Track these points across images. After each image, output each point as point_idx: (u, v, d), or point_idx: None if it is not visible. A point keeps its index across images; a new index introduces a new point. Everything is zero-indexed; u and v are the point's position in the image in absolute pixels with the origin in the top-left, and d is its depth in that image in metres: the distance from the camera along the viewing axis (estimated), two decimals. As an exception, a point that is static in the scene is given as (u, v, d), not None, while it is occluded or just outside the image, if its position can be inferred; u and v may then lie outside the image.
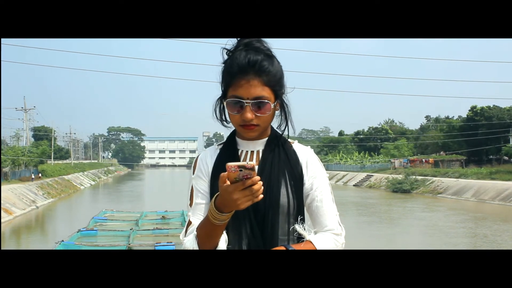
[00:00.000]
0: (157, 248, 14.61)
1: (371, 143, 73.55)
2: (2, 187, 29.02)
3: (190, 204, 1.69)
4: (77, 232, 18.31)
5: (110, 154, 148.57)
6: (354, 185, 53.89)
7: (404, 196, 38.44)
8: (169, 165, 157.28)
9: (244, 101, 1.56)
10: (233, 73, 1.58)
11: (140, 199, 40.76)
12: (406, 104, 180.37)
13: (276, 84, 1.60)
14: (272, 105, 1.59)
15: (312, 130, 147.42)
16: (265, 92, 1.57)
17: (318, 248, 1.56)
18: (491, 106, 55.84)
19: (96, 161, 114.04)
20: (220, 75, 1.64)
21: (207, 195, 1.67)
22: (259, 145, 1.69)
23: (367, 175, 55.94)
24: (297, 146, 1.72)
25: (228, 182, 1.41)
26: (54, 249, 13.29)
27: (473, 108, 56.25)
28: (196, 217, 1.65)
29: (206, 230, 1.54)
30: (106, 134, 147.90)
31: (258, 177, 1.41)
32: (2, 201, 24.61)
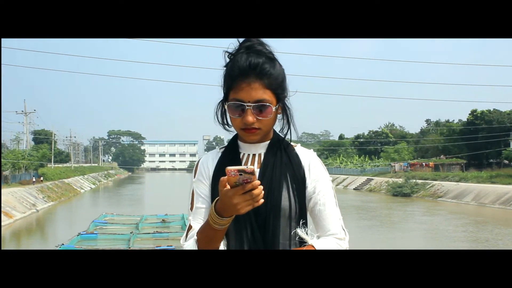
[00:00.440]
0: (157, 251, 14.56)
1: (371, 147, 73.57)
2: (2, 190, 29.01)
3: (191, 208, 1.68)
4: (77, 235, 18.29)
5: (110, 157, 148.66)
6: (354, 189, 53.85)
7: (405, 200, 38.41)
8: (169, 169, 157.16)
9: (245, 104, 1.54)
10: (234, 76, 1.56)
11: (140, 203, 40.72)
12: (406, 108, 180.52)
13: (278, 87, 1.59)
14: (273, 109, 1.57)
15: (312, 134, 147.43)
16: (267, 95, 1.55)
17: None
18: (492, 110, 55.88)
19: (96, 164, 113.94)
20: (221, 78, 1.63)
21: (208, 199, 1.66)
22: (261, 148, 1.67)
23: (367, 178, 55.91)
24: (299, 149, 1.70)
25: (228, 187, 1.40)
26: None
27: (473, 112, 56.28)
28: (197, 221, 1.64)
29: (206, 235, 1.53)
30: (106, 137, 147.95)
31: (258, 182, 1.39)
32: (2, 205, 24.60)
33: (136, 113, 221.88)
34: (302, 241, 1.60)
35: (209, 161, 1.71)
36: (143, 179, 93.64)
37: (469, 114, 57.05)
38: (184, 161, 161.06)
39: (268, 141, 1.68)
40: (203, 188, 1.67)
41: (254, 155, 1.68)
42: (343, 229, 1.62)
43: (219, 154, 1.72)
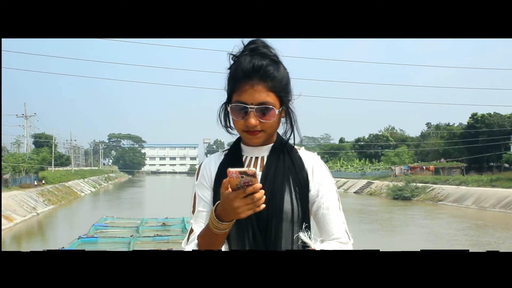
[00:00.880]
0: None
1: (371, 150, 73.52)
2: (2, 194, 28.98)
3: (193, 211, 1.67)
4: (78, 239, 18.27)
5: (110, 161, 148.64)
6: (354, 192, 53.80)
7: (405, 203, 38.36)
8: (169, 172, 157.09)
9: (248, 106, 1.53)
10: (237, 78, 1.55)
11: (140, 206, 40.68)
12: (406, 111, 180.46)
13: (282, 90, 1.57)
14: (276, 111, 1.55)
15: (313, 137, 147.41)
16: (270, 98, 1.54)
17: None
18: (492, 113, 55.84)
19: (96, 168, 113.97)
20: (225, 81, 1.61)
21: (210, 202, 1.65)
22: (264, 151, 1.66)
23: (368, 182, 55.86)
24: (303, 153, 1.68)
25: (230, 189, 1.38)
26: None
27: (473, 115, 56.26)
28: (198, 225, 1.63)
29: (207, 239, 1.52)
30: (107, 141, 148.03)
31: (259, 185, 1.37)
32: (2, 208, 24.58)
33: (136, 116, 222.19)
34: (305, 245, 1.58)
35: (212, 164, 1.70)
36: (143, 183, 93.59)
37: (470, 117, 57.03)
38: (185, 164, 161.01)
39: (271, 144, 1.66)
40: (205, 191, 1.67)
41: (257, 158, 1.66)
42: (347, 233, 1.61)
43: (222, 157, 1.70)
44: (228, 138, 1.71)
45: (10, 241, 22.03)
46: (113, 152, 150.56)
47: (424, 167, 54.67)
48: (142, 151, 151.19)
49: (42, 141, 71.26)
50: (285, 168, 1.62)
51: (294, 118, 1.64)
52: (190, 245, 1.58)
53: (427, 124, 79.91)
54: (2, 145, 59.83)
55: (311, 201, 1.63)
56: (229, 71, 1.61)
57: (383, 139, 74.41)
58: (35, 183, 40.80)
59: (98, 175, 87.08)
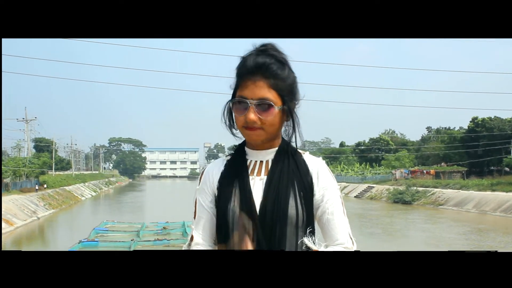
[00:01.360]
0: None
1: (372, 154, 73.47)
2: (3, 198, 28.98)
3: (194, 217, 1.68)
4: (78, 243, 18.25)
5: (111, 165, 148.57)
6: (355, 197, 53.74)
7: (406, 208, 38.32)
8: (170, 176, 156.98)
9: (248, 101, 1.53)
10: (241, 74, 1.56)
11: (141, 210, 40.61)
12: (407, 115, 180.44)
13: (284, 90, 1.57)
14: (276, 109, 1.55)
15: (313, 142, 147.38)
16: (271, 95, 1.53)
17: None
18: (492, 117, 55.84)
19: (97, 172, 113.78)
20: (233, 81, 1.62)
21: (209, 209, 1.65)
22: (269, 155, 1.65)
23: (368, 186, 55.82)
24: (307, 157, 1.68)
25: None
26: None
27: (474, 119, 56.26)
28: (198, 232, 1.65)
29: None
30: (107, 145, 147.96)
31: None
32: (3, 212, 24.58)
33: (137, 120, 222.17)
34: (309, 250, 1.57)
35: (215, 170, 1.69)
36: (144, 187, 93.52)
37: (470, 121, 57.02)
38: (185, 168, 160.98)
39: (276, 148, 1.66)
40: (206, 197, 1.67)
41: (261, 161, 1.66)
42: (351, 238, 1.61)
43: (225, 162, 1.70)
44: (229, 143, 1.71)
45: (11, 245, 22.00)
46: (114, 156, 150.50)
47: (424, 171, 54.63)
48: (143, 155, 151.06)
49: (42, 145, 71.23)
50: (290, 172, 1.61)
51: (297, 122, 1.63)
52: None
53: (428, 128, 79.94)
54: (3, 149, 59.88)
55: (316, 206, 1.62)
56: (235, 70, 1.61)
57: (383, 143, 74.39)
58: (37, 187, 40.79)
59: (98, 179, 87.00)
